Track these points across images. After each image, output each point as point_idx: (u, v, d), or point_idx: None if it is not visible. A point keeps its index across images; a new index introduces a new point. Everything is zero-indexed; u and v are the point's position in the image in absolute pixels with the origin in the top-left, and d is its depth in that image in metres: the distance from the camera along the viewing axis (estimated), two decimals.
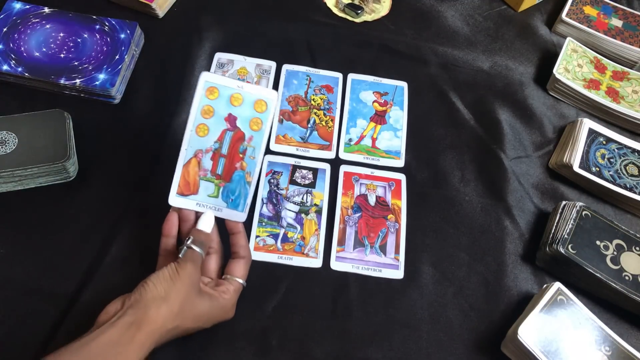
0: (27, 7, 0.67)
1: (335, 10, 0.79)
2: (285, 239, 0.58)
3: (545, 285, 0.55)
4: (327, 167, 0.63)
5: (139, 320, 0.42)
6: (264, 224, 0.59)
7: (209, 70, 0.69)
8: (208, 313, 0.47)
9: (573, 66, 0.74)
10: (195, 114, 0.52)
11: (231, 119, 0.53)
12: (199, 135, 0.52)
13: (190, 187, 0.52)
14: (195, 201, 0.52)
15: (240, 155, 0.53)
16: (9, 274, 0.52)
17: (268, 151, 0.64)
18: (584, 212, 0.58)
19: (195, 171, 0.52)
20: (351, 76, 0.72)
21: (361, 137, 0.67)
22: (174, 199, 0.51)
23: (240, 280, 0.50)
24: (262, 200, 0.60)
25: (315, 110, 0.68)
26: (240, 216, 0.52)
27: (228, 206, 0.52)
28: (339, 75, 0.71)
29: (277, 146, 0.64)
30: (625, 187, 0.63)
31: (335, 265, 0.57)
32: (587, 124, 0.67)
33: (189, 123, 0.52)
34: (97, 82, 0.62)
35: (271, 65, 0.71)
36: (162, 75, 0.68)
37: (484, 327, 0.55)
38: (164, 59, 0.70)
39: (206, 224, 0.50)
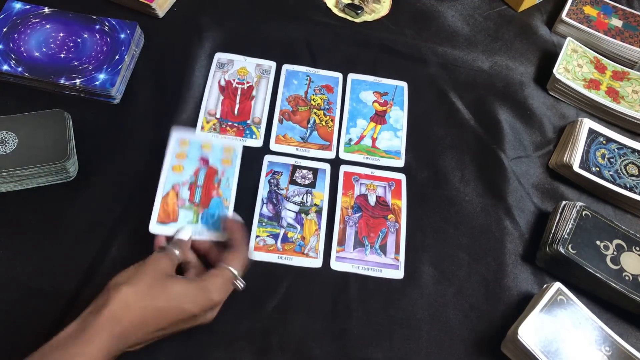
0: (27, 7, 0.67)
1: (335, 10, 0.79)
2: (285, 239, 0.58)
3: (545, 285, 0.55)
4: (327, 167, 0.63)
5: (99, 306, 0.41)
6: (264, 224, 0.59)
7: (209, 70, 0.69)
8: (184, 293, 0.45)
9: (573, 66, 0.74)
10: (169, 158, 0.57)
11: (203, 159, 0.58)
12: (175, 172, 0.57)
13: (170, 215, 0.55)
14: (176, 228, 0.54)
15: (215, 185, 0.57)
16: (9, 274, 0.52)
17: (268, 151, 0.64)
18: (584, 212, 0.58)
19: (174, 201, 0.56)
20: (351, 76, 0.72)
21: (361, 137, 0.67)
22: (155, 227, 0.54)
23: (230, 268, 0.48)
24: (262, 200, 0.60)
25: (315, 110, 0.68)
26: (221, 236, 0.54)
27: (209, 229, 0.55)
28: (339, 75, 0.71)
29: (277, 146, 0.64)
30: (625, 187, 0.63)
31: (335, 265, 0.57)
32: (587, 124, 0.67)
33: (164, 164, 0.57)
34: (97, 82, 0.62)
35: (271, 65, 0.71)
36: (162, 75, 0.68)
37: (484, 327, 0.55)
38: (164, 59, 0.70)
39: (184, 234, 0.52)
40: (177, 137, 0.59)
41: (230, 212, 0.56)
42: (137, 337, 0.43)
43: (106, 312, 0.41)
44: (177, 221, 0.55)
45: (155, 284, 0.44)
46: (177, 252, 0.49)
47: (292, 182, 0.62)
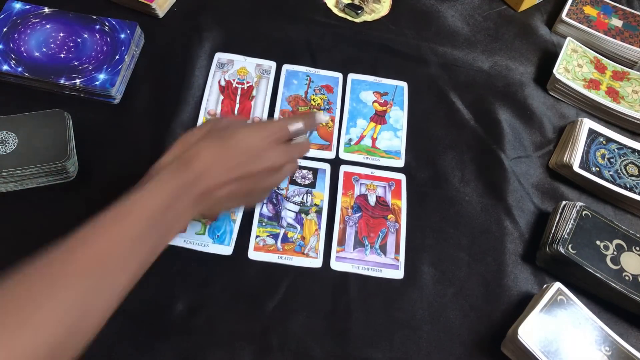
0: (27, 7, 0.67)
1: (335, 10, 0.79)
2: (285, 239, 0.58)
3: (545, 285, 0.55)
4: (327, 167, 0.63)
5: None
6: (264, 224, 0.59)
7: (209, 70, 0.69)
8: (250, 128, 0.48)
9: (573, 66, 0.74)
10: None
11: None
12: None
13: None
14: (183, 238, 0.56)
15: None
16: None
17: None
18: (584, 212, 0.58)
19: None
20: (351, 76, 0.72)
21: (361, 137, 0.67)
22: None
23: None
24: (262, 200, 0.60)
25: (315, 110, 0.68)
26: (226, 250, 0.56)
27: (214, 242, 0.57)
28: (339, 75, 0.71)
29: None
30: (625, 187, 0.63)
31: (335, 265, 0.57)
32: (587, 124, 0.67)
33: None
34: (97, 82, 0.62)
35: (271, 65, 0.71)
36: (162, 75, 0.68)
37: (484, 327, 0.55)
38: (164, 59, 0.70)
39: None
40: None
41: (236, 226, 0.58)
42: (215, 179, 0.44)
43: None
44: (185, 232, 0.56)
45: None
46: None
47: (292, 182, 0.62)
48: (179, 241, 0.56)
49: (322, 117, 0.54)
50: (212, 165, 0.44)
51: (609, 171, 0.64)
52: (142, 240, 0.40)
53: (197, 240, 0.56)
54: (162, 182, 0.43)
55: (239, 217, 0.58)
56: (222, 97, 0.67)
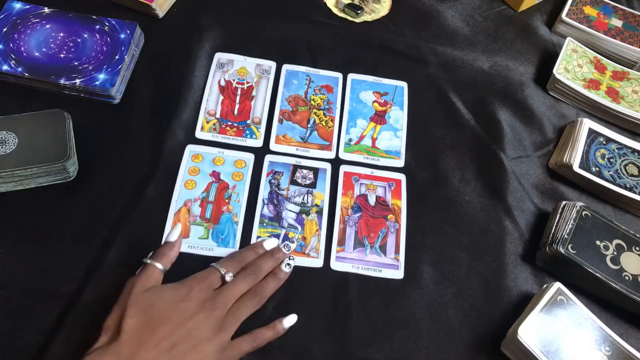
0: (27, 7, 0.67)
1: (335, 10, 0.78)
2: (286, 240, 0.58)
3: (545, 285, 0.55)
4: (327, 166, 0.63)
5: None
6: (265, 224, 0.59)
7: (208, 70, 0.69)
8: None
9: (573, 66, 0.74)
10: (183, 173, 0.60)
11: (215, 174, 0.61)
12: (187, 188, 0.59)
13: (182, 232, 0.56)
14: (187, 244, 0.56)
15: (226, 201, 0.59)
16: (9, 274, 0.52)
17: (268, 151, 0.64)
18: (584, 212, 0.58)
19: (186, 218, 0.58)
20: (351, 76, 0.72)
21: (361, 137, 0.67)
22: None
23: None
24: (263, 201, 0.60)
25: (315, 110, 0.68)
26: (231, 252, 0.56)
27: (218, 245, 0.56)
28: (339, 75, 0.71)
29: (277, 146, 0.64)
30: (625, 187, 0.63)
31: (335, 265, 0.57)
32: (587, 124, 0.67)
33: (177, 180, 0.59)
34: (97, 82, 0.62)
35: (271, 65, 0.71)
36: (162, 75, 0.68)
37: (484, 327, 0.55)
38: (164, 59, 0.70)
39: (173, 235, 0.51)
40: (191, 150, 0.61)
41: (239, 227, 0.57)
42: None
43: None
44: (188, 237, 0.56)
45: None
46: (162, 267, 0.48)
47: (293, 182, 0.62)
48: (183, 247, 0.55)
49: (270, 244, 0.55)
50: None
51: (609, 171, 0.64)
52: None
53: (201, 244, 0.56)
54: None
55: (241, 218, 0.58)
56: (222, 97, 0.67)
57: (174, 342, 0.43)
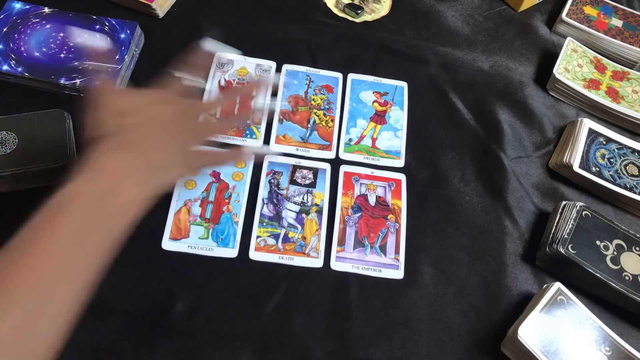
0: (27, 7, 0.67)
1: (335, 10, 0.78)
2: (286, 239, 0.58)
3: (545, 285, 0.55)
4: (327, 166, 0.63)
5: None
6: (264, 224, 0.59)
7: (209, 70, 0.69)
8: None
9: (573, 66, 0.74)
10: None
11: (215, 174, 0.61)
12: (187, 188, 0.59)
13: (182, 232, 0.57)
14: (187, 244, 0.56)
15: (226, 200, 0.59)
16: None
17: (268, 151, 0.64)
18: (584, 212, 0.58)
19: (186, 217, 0.58)
20: (351, 76, 0.72)
21: (361, 137, 0.67)
22: (168, 244, 0.56)
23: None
24: (263, 200, 0.60)
25: (315, 110, 0.68)
26: (232, 252, 0.56)
27: (218, 245, 0.57)
28: (339, 75, 0.71)
29: (277, 146, 0.64)
30: (625, 187, 0.63)
31: (335, 265, 0.57)
32: (587, 124, 0.67)
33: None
34: (97, 82, 0.62)
35: (271, 65, 0.71)
36: (162, 75, 0.68)
37: (484, 327, 0.55)
38: (164, 59, 0.70)
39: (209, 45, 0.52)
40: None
41: (239, 227, 0.58)
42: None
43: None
44: (188, 237, 0.56)
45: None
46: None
47: (293, 182, 0.62)
48: (182, 247, 0.56)
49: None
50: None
51: (609, 171, 0.64)
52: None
53: (201, 244, 0.56)
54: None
55: (241, 218, 0.58)
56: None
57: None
